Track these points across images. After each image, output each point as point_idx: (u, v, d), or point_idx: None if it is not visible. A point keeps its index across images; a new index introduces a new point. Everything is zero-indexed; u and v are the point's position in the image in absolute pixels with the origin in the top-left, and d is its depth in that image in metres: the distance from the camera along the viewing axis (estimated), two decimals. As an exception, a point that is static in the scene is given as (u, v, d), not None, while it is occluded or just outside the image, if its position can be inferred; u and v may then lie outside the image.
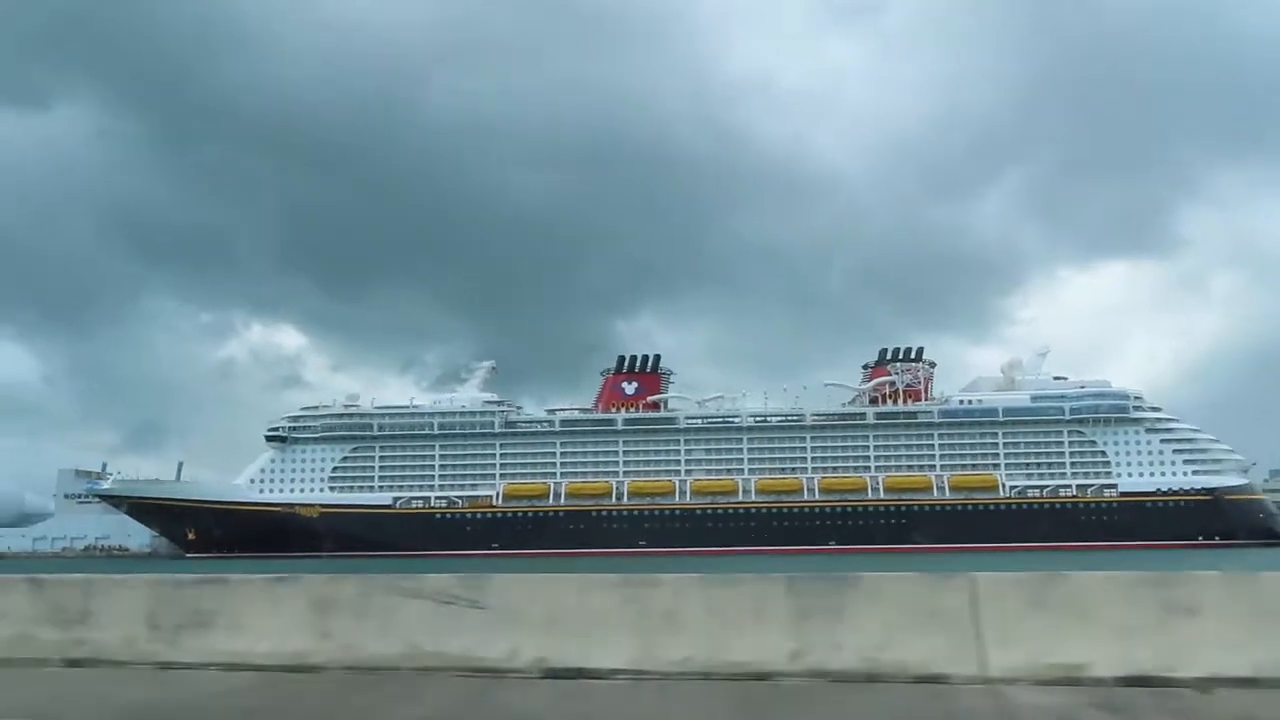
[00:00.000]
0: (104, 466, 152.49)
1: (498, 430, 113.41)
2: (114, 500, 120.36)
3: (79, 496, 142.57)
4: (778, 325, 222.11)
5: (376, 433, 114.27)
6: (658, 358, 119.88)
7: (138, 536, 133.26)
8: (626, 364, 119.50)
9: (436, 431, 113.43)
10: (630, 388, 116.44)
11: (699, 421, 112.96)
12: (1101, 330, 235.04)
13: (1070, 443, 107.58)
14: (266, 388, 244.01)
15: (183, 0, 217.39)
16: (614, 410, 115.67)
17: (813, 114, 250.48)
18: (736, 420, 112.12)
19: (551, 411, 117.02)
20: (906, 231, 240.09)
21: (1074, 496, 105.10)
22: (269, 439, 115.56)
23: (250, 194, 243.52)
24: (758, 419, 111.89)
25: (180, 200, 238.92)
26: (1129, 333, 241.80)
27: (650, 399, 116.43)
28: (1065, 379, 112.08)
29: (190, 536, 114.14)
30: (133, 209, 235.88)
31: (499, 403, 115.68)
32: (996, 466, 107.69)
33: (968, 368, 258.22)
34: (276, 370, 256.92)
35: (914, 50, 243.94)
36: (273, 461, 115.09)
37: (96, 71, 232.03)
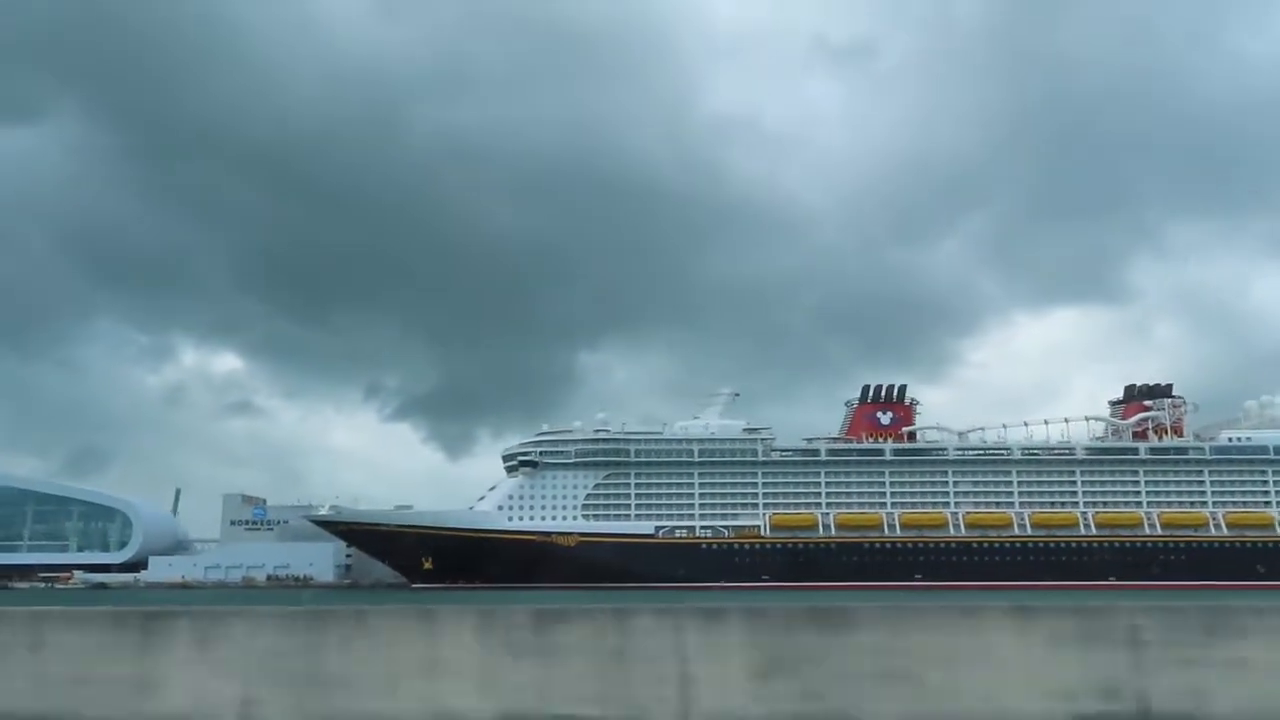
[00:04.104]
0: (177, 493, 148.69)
1: (760, 459, 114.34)
2: (332, 527, 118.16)
3: (245, 523, 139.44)
4: (733, 361, 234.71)
5: (633, 459, 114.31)
6: (904, 387, 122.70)
7: (320, 565, 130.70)
8: (872, 393, 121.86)
9: (696, 459, 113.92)
10: (885, 418, 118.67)
11: (969, 453, 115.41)
12: (1047, 373, 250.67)
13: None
14: (215, 415, 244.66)
15: (171, 20, 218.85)
16: (866, 440, 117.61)
17: (790, 153, 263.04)
18: (1006, 453, 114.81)
19: (810, 440, 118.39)
20: (870, 271, 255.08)
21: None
22: (520, 464, 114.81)
23: (217, 215, 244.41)
24: (1028, 451, 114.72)
25: (142, 220, 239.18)
26: (1072, 376, 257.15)
27: (905, 429, 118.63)
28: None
29: (426, 565, 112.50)
30: (93, 227, 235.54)
31: (756, 430, 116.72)
32: (1268, 504, 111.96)
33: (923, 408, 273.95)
34: (227, 396, 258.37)
35: (894, 93, 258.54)
36: (521, 487, 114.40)
37: (81, 86, 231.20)
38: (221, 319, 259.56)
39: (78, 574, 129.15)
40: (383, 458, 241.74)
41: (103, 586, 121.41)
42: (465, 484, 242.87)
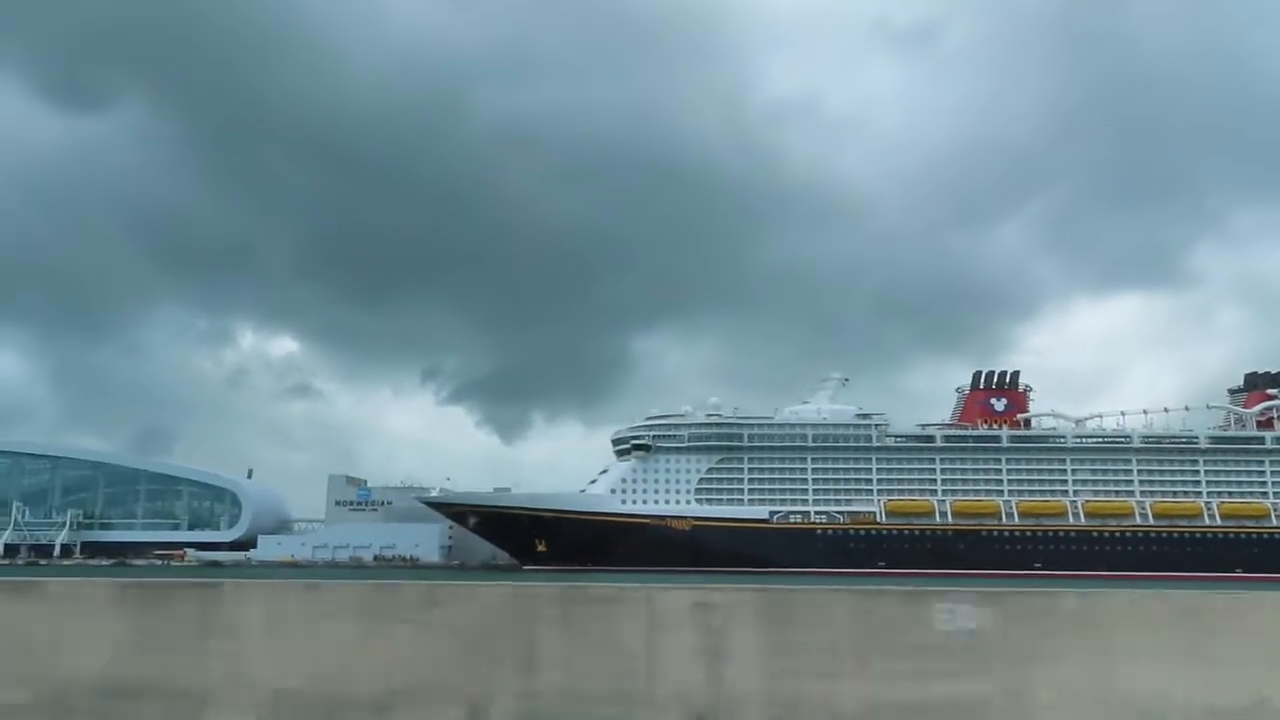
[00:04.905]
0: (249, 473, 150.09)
1: (875, 444, 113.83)
2: (445, 509, 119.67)
3: (350, 504, 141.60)
4: (789, 347, 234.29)
5: (746, 444, 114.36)
6: (1016, 374, 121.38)
7: (426, 545, 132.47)
8: (984, 380, 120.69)
9: (810, 444, 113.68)
10: (1000, 404, 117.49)
11: (1088, 441, 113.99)
12: (1107, 360, 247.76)
13: None
14: (275, 397, 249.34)
15: (235, 5, 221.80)
16: (980, 426, 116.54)
17: (850, 138, 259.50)
18: (1127, 440, 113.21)
19: (923, 426, 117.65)
20: (928, 257, 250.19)
21: None
22: (633, 448, 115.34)
23: (277, 200, 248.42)
24: (1148, 440, 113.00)
25: (205, 205, 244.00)
26: (1132, 363, 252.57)
27: (1019, 416, 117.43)
28: None
29: (540, 548, 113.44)
30: (158, 213, 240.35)
31: (869, 415, 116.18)
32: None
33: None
34: (286, 379, 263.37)
35: (956, 77, 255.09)
36: (634, 471, 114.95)
37: (148, 75, 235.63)
38: (281, 303, 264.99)
39: (190, 552, 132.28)
40: (437, 440, 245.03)
41: (216, 564, 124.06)
42: (520, 467, 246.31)
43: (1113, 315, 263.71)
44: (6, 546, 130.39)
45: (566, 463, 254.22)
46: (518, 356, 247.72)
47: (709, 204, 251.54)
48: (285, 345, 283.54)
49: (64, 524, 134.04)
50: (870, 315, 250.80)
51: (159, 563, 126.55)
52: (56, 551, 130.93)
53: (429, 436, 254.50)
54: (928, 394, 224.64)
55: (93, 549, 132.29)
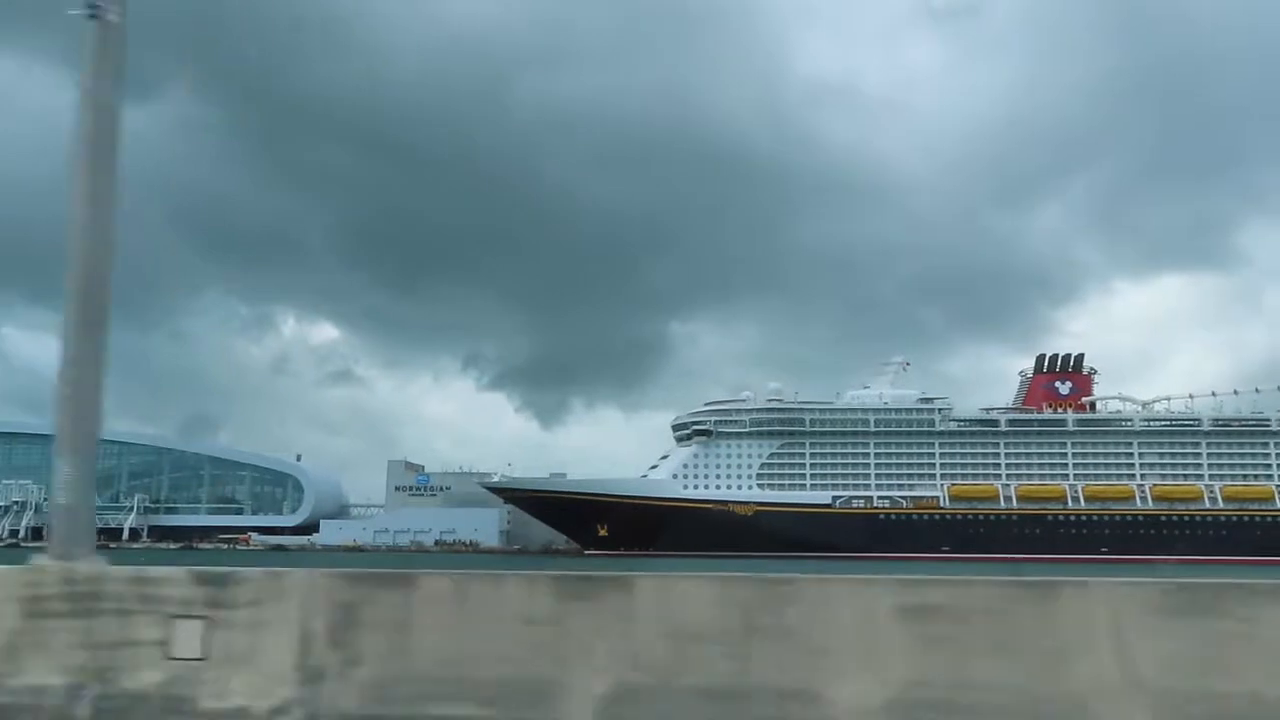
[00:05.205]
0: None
1: (937, 429, 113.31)
2: (506, 493, 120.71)
3: (410, 489, 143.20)
4: (824, 330, 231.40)
5: (808, 429, 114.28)
6: (1080, 357, 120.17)
7: (485, 530, 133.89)
8: (1047, 363, 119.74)
9: (872, 429, 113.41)
10: (1065, 387, 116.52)
11: (1155, 424, 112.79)
12: (1150, 342, 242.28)
13: None
14: (316, 384, 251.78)
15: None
16: (1045, 410, 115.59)
17: (888, 118, 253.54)
18: (1196, 424, 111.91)
19: (988, 410, 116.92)
20: (967, 238, 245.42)
21: None
22: (694, 434, 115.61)
23: (318, 188, 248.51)
24: (1218, 423, 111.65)
25: (247, 193, 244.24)
26: (1176, 345, 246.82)
27: (1085, 399, 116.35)
28: None
29: (601, 533, 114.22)
30: (201, 200, 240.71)
31: (931, 399, 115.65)
32: None
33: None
34: (327, 366, 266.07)
35: (999, 54, 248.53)
36: (695, 456, 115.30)
37: (189, 62, 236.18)
38: (322, 290, 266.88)
39: (254, 536, 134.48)
40: (476, 426, 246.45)
41: (281, 548, 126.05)
42: (560, 452, 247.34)
43: (1156, 296, 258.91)
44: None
45: (606, 448, 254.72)
46: (557, 342, 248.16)
47: (746, 186, 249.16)
48: (326, 332, 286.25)
49: (131, 508, 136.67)
50: (908, 298, 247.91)
51: (224, 547, 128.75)
52: (125, 535, 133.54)
53: (468, 422, 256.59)
54: (966, 378, 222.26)
55: (159, 533, 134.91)
